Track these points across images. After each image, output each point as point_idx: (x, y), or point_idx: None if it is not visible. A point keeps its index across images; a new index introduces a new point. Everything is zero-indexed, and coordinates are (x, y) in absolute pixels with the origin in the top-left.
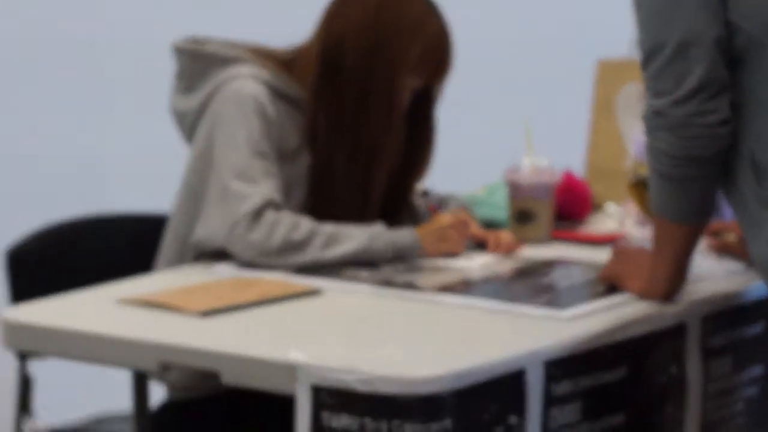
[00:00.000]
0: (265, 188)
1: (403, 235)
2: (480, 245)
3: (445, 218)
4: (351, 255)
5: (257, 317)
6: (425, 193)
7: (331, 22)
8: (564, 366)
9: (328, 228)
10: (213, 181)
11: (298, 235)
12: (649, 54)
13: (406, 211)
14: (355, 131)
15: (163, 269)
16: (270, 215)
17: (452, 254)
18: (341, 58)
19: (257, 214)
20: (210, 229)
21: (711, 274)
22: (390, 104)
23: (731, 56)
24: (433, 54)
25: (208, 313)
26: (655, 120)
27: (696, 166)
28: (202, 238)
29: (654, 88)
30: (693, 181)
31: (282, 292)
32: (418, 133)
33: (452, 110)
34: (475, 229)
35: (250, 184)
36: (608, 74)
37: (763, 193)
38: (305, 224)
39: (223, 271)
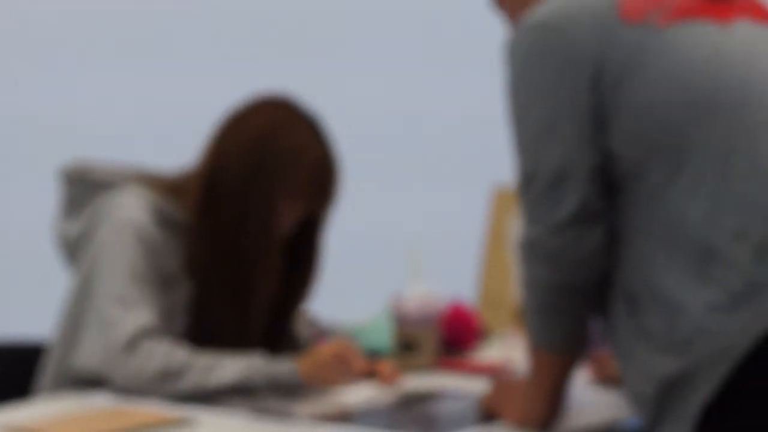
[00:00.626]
0: (142, 315)
1: (282, 368)
2: (367, 375)
3: (325, 350)
4: (228, 386)
5: None
6: (312, 322)
7: (214, 147)
8: None
9: (204, 358)
10: (92, 307)
11: (175, 364)
12: (525, 181)
13: (287, 336)
14: (234, 257)
15: (41, 396)
16: (145, 343)
17: (331, 386)
18: (220, 185)
19: (132, 343)
20: (87, 356)
21: (591, 404)
22: (267, 230)
23: (610, 184)
24: (313, 182)
25: None
26: (529, 248)
27: (569, 295)
28: (80, 365)
29: (529, 216)
30: (566, 310)
31: (153, 422)
32: (302, 259)
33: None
34: (358, 360)
35: (127, 311)
36: (502, 204)
37: (636, 323)
38: (181, 354)
39: (99, 400)
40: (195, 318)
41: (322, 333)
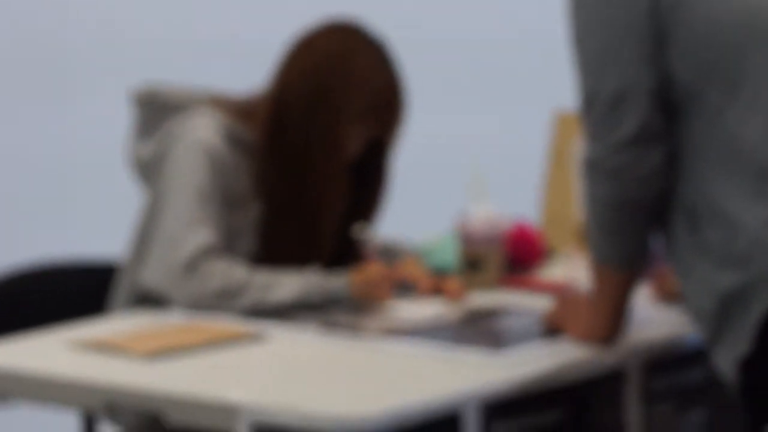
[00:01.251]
0: (203, 235)
1: (335, 283)
2: (435, 293)
3: (374, 269)
4: (286, 304)
5: (201, 360)
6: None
7: (283, 71)
8: (502, 408)
9: (263, 277)
10: (160, 225)
11: (233, 284)
12: (586, 102)
13: (356, 256)
14: (301, 179)
15: (116, 313)
16: (205, 263)
17: (378, 302)
18: (288, 107)
19: (193, 262)
20: (151, 274)
21: (652, 320)
22: (333, 153)
23: (669, 105)
24: (379, 107)
25: (154, 356)
26: (591, 167)
27: (630, 212)
28: (145, 282)
29: (591, 135)
30: (628, 227)
31: (227, 336)
32: (370, 181)
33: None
34: (425, 276)
35: (189, 231)
36: (564, 127)
37: (696, 240)
38: (239, 273)
39: (173, 315)
40: (264, 238)
41: (372, 251)
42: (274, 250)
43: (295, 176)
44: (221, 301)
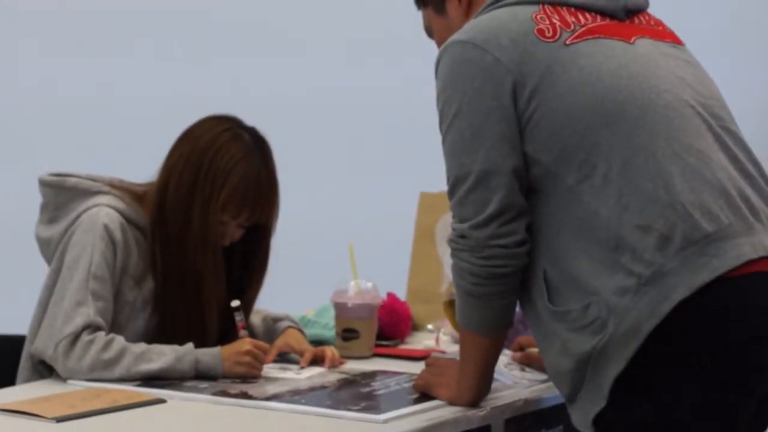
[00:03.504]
0: (90, 311)
1: (208, 356)
2: (314, 361)
3: (244, 344)
4: (156, 372)
5: (107, 423)
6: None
7: (168, 159)
8: None
9: (138, 347)
10: (54, 300)
11: (109, 354)
12: (454, 183)
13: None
14: (181, 261)
15: (21, 383)
16: (85, 337)
17: (249, 377)
18: (169, 194)
19: (76, 336)
20: (41, 344)
21: (515, 383)
22: (205, 238)
23: (528, 185)
24: (246, 196)
25: (62, 419)
26: (459, 242)
27: (496, 283)
28: (36, 352)
29: (458, 214)
30: (493, 296)
31: (130, 400)
32: (252, 262)
33: (291, 229)
34: (306, 346)
35: (78, 306)
36: (429, 205)
37: (554, 308)
38: (116, 344)
39: (78, 382)
40: (159, 315)
41: (241, 327)
42: (167, 325)
43: (176, 256)
44: (96, 371)
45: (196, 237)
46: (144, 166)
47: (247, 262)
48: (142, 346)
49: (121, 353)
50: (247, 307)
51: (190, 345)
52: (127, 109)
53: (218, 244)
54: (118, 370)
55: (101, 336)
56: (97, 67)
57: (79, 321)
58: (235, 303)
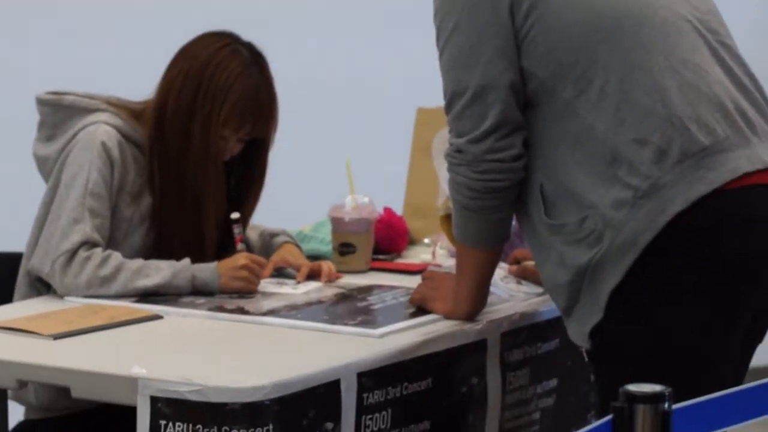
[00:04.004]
0: (86, 227)
1: (204, 271)
2: (310, 276)
3: (240, 259)
4: (153, 288)
5: (104, 339)
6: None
7: (165, 76)
8: (375, 377)
9: (135, 263)
10: (51, 216)
11: (105, 270)
12: (451, 98)
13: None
14: (181, 178)
15: (19, 300)
16: (82, 253)
17: (245, 291)
18: (167, 110)
19: (70, 255)
20: (37, 260)
21: (511, 296)
22: (206, 155)
23: (525, 100)
24: (244, 110)
25: (59, 336)
26: (456, 157)
27: (492, 197)
28: (33, 268)
29: (455, 129)
30: (490, 210)
31: (127, 317)
32: (250, 176)
33: (289, 148)
34: (302, 261)
35: (75, 223)
36: (426, 120)
37: (550, 221)
38: (113, 260)
39: (75, 299)
40: (156, 230)
41: (240, 241)
42: (164, 240)
43: (176, 173)
44: (93, 287)
45: (197, 153)
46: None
47: (245, 176)
48: (138, 262)
49: (118, 269)
50: (244, 221)
51: (186, 260)
52: None
53: (219, 159)
54: (115, 287)
55: (98, 252)
56: None
57: (75, 238)
58: (235, 215)
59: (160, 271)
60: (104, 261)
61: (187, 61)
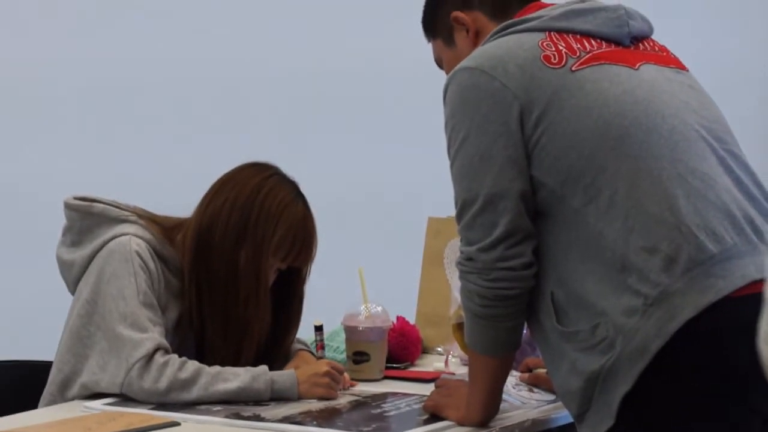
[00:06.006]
0: (155, 335)
1: (283, 378)
2: None
3: (322, 365)
4: (233, 393)
5: None
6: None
7: (209, 202)
8: None
9: (213, 368)
10: (101, 330)
11: (185, 374)
12: (462, 207)
13: (281, 355)
14: (227, 307)
15: (44, 406)
16: (159, 358)
17: (326, 399)
18: (214, 237)
19: (149, 359)
20: (99, 375)
21: (523, 403)
22: (257, 284)
23: (535, 208)
24: (295, 239)
25: None
26: (466, 265)
27: (503, 305)
28: (88, 382)
29: (466, 238)
30: (501, 318)
31: (144, 423)
32: (288, 304)
33: None
34: (346, 378)
35: (141, 332)
36: (437, 230)
37: (562, 329)
38: (191, 365)
39: (93, 406)
40: (197, 358)
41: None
42: (200, 361)
43: (222, 302)
44: (173, 391)
45: (247, 282)
46: None
47: (284, 306)
48: (216, 367)
49: (198, 373)
50: (286, 352)
51: (264, 366)
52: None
53: (268, 288)
54: (196, 390)
55: (175, 357)
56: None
57: (149, 345)
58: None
59: (239, 376)
60: (183, 365)
61: (234, 189)
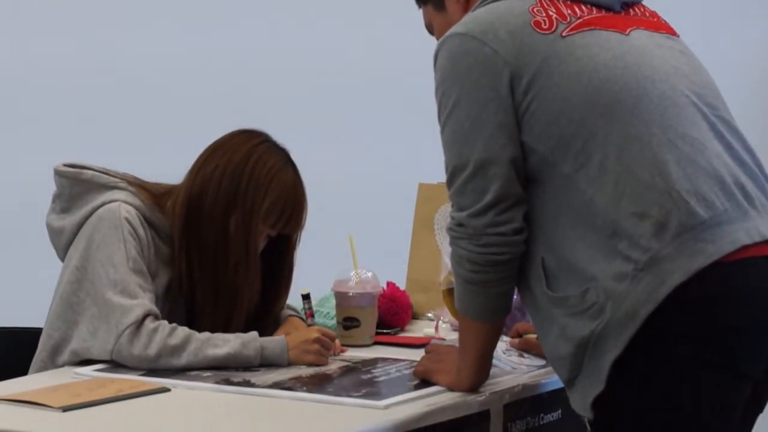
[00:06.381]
0: (145, 301)
1: (273, 344)
2: None
3: (312, 332)
4: (222, 359)
5: (112, 411)
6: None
7: (199, 168)
8: None
9: (203, 334)
10: (91, 296)
11: (175, 340)
12: (453, 172)
13: (270, 322)
14: (216, 273)
15: (34, 373)
16: (149, 324)
17: (316, 364)
18: (204, 204)
19: (139, 325)
20: (89, 341)
21: (514, 368)
22: (246, 250)
23: (526, 174)
24: (285, 205)
25: (68, 408)
26: (457, 230)
27: (493, 270)
28: (78, 349)
29: (457, 203)
30: (491, 283)
31: (134, 389)
32: (278, 271)
33: None
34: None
35: (131, 298)
36: (428, 196)
37: (552, 294)
38: (181, 331)
39: (83, 372)
40: (187, 324)
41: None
42: (190, 327)
43: (212, 269)
44: (163, 357)
45: (237, 249)
46: None
47: (274, 273)
48: (206, 334)
49: (187, 339)
50: (276, 318)
51: (254, 332)
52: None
53: (258, 255)
54: (186, 356)
55: (165, 323)
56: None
57: (138, 311)
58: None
59: (228, 342)
60: (173, 331)
61: (224, 155)
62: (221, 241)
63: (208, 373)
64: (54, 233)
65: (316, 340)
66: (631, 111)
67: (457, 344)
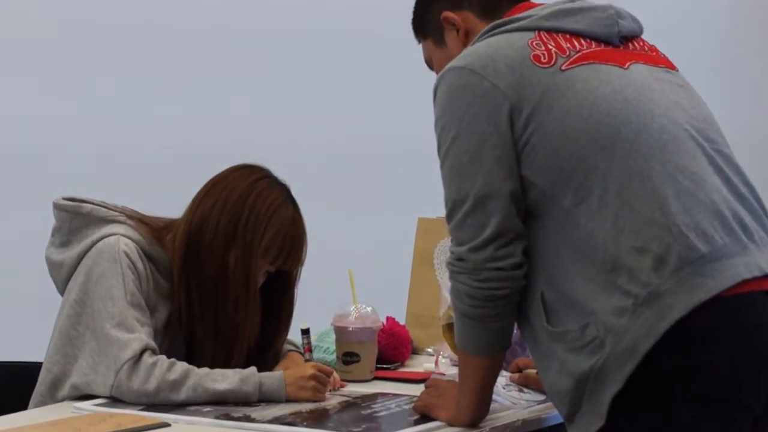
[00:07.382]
0: (142, 335)
1: (271, 380)
2: None
3: (308, 368)
4: (222, 394)
5: None
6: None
7: (199, 203)
8: None
9: (202, 369)
10: (90, 330)
11: (174, 375)
12: (452, 207)
13: (271, 357)
14: (216, 309)
15: (34, 407)
16: (147, 359)
17: (313, 401)
18: (203, 238)
19: (137, 360)
20: (89, 376)
21: (513, 404)
22: (246, 286)
23: (526, 208)
24: (284, 241)
25: None
26: (457, 265)
27: (493, 305)
28: (78, 383)
29: (456, 238)
30: (491, 318)
31: (134, 424)
32: (278, 307)
33: None
34: (334, 379)
35: (128, 332)
36: (427, 230)
37: (552, 329)
38: (180, 366)
39: (83, 407)
40: (187, 359)
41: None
42: (198, 362)
43: (212, 305)
44: (162, 392)
45: (236, 285)
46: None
47: (274, 308)
48: (205, 369)
49: (186, 374)
50: (276, 354)
51: (253, 368)
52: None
53: (257, 291)
54: (185, 391)
55: (163, 358)
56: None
57: (136, 345)
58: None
59: (227, 378)
60: (171, 366)
61: (224, 191)
62: (221, 276)
63: (208, 408)
64: (53, 267)
65: (312, 377)
66: (631, 145)
67: (456, 379)
